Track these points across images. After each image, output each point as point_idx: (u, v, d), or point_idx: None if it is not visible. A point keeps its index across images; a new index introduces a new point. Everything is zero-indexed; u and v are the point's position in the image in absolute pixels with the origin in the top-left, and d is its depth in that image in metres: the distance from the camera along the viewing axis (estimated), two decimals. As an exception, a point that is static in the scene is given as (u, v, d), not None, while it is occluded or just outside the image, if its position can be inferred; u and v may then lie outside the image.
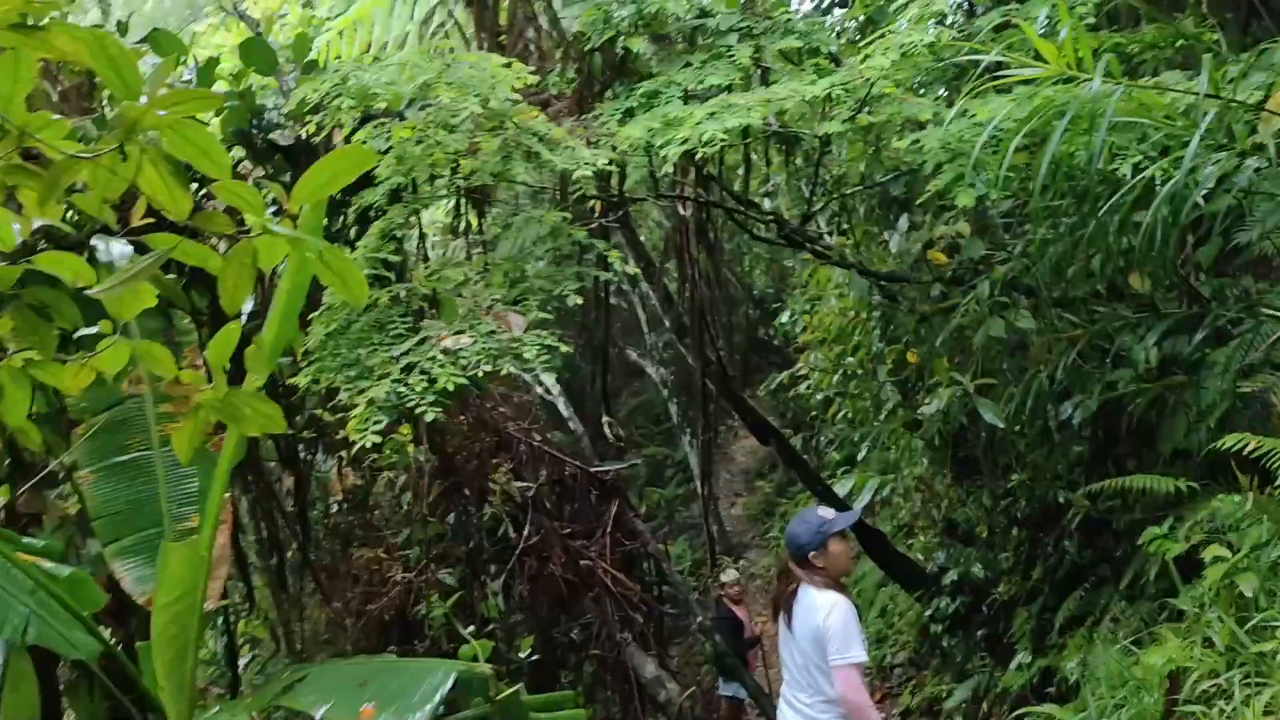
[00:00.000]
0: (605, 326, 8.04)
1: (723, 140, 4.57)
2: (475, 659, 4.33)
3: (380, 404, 4.13)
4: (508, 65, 4.73)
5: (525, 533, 7.97)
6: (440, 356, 4.29)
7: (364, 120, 5.39)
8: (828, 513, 4.97)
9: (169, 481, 5.33)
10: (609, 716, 10.69)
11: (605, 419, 9.60)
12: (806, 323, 8.80)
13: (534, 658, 6.74)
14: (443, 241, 10.10)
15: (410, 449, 6.59)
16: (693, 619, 10.49)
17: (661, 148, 4.67)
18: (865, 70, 4.81)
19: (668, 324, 8.82)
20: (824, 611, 4.54)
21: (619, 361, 23.37)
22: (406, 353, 4.35)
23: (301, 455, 6.81)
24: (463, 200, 5.50)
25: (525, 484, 9.75)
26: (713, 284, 7.58)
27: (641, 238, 10.49)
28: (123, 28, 6.10)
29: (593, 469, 10.83)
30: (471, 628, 6.59)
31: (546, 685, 10.55)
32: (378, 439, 4.10)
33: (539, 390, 11.60)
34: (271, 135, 5.88)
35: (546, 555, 8.72)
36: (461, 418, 7.50)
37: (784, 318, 9.89)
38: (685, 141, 4.61)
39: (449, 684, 3.90)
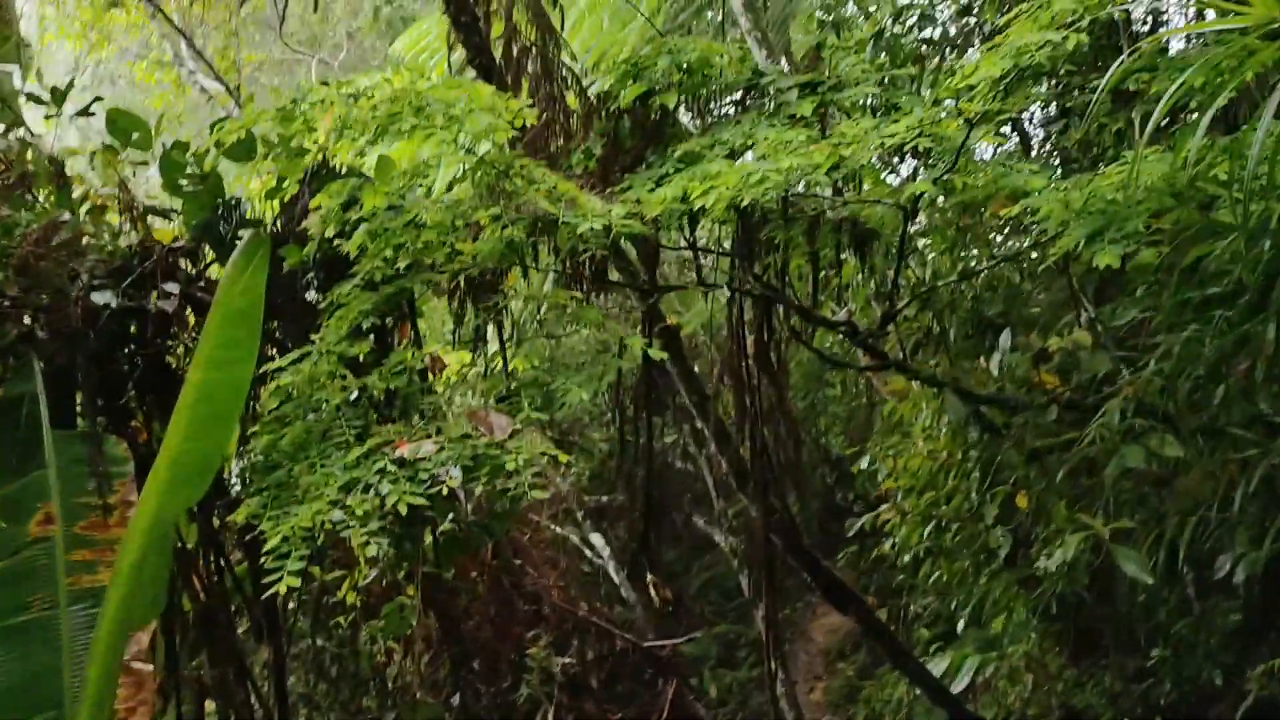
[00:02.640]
0: (649, 459, 6.83)
1: (774, 186, 3.51)
2: None
3: (303, 534, 2.98)
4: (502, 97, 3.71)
5: (550, 717, 6.63)
6: (392, 469, 3.16)
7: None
8: None
9: (77, 652, 4.17)
10: None
11: (649, 578, 8.30)
12: (890, 469, 7.51)
13: None
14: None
15: (412, 615, 5.39)
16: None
17: (697, 199, 3.62)
18: (963, 105, 3.74)
19: (730, 478, 7.67)
20: None
21: (687, 533, 22.01)
22: (350, 466, 3.23)
23: (280, 615, 5.63)
24: (464, 301, 4.42)
25: (566, 660, 8.47)
26: (776, 416, 6.39)
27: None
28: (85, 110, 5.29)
29: (646, 644, 9.50)
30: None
31: None
32: (296, 581, 2.93)
33: (587, 553, 10.36)
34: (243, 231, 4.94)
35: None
36: (474, 575, 6.32)
37: (863, 464, 8.59)
38: (730, 189, 3.56)
39: None
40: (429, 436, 3.32)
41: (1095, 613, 7.09)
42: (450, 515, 5.46)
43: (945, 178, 4.04)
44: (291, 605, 6.09)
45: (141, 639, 4.12)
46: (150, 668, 4.11)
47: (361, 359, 3.90)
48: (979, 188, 4.27)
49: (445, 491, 3.62)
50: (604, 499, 16.93)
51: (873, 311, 6.15)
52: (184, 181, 5.01)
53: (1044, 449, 5.86)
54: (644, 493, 7.35)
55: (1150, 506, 5.66)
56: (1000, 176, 4.23)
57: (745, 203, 3.67)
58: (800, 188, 5.77)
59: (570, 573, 10.15)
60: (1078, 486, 5.73)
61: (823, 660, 19.62)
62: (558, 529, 11.00)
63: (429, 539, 5.33)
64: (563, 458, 3.28)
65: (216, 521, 5.41)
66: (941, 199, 4.73)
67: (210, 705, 5.76)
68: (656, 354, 3.57)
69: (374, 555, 2.97)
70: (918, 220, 5.16)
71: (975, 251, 6.60)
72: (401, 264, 4.16)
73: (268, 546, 2.95)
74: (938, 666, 8.41)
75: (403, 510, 3.06)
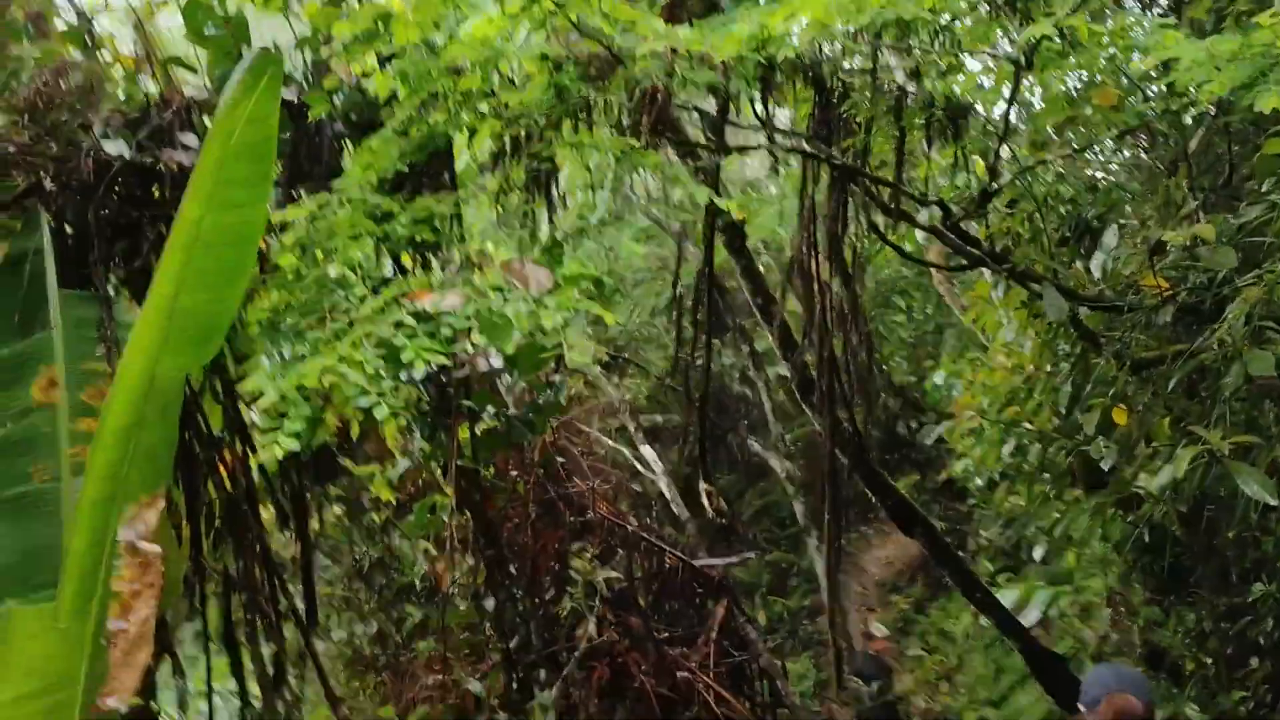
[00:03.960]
0: (706, 370, 6.34)
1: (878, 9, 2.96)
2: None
3: (305, 393, 2.54)
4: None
5: (591, 630, 6.25)
6: (409, 321, 2.70)
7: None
8: None
9: (80, 525, 3.80)
10: None
11: (704, 486, 7.86)
12: (967, 384, 6.95)
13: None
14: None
15: (447, 515, 4.98)
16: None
17: (778, 24, 3.06)
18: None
19: (794, 393, 7.15)
20: None
21: (742, 458, 21.59)
22: (362, 320, 2.78)
23: (308, 500, 5.26)
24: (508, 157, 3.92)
25: (613, 574, 8.08)
26: (848, 319, 5.87)
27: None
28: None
29: (698, 562, 9.08)
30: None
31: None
32: (294, 444, 2.50)
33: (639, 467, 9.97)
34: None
35: (623, 661, 6.95)
36: (515, 475, 5.91)
37: (937, 378, 8.03)
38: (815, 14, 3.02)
39: None
40: (455, 288, 2.85)
41: (1187, 546, 6.55)
42: (489, 408, 5.04)
43: (1068, 16, 3.43)
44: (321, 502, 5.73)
45: (148, 518, 3.74)
46: (158, 549, 3.72)
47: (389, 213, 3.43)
48: (1105, 36, 3.67)
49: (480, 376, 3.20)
50: (659, 419, 16.54)
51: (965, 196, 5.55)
52: (208, 27, 4.55)
53: (1149, 360, 5.28)
54: (700, 405, 6.87)
55: (1262, 427, 5.08)
56: (1130, 25, 3.64)
57: (834, 38, 3.13)
58: (891, 60, 5.20)
59: (620, 487, 9.74)
60: (1186, 404, 5.16)
61: (876, 592, 19.22)
62: (609, 441, 10.60)
63: (465, 432, 4.91)
64: (609, 318, 2.78)
65: (243, 406, 5.04)
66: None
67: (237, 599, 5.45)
68: (729, 205, 3.07)
69: (387, 418, 2.52)
70: (1028, 80, 4.56)
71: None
72: (438, 118, 3.68)
73: (261, 403, 2.52)
74: (1006, 598, 7.93)
75: (418, 366, 2.60)
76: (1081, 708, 3.65)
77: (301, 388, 2.52)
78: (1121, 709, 3.50)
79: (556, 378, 5.14)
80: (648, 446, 9.89)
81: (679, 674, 8.41)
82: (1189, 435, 4.48)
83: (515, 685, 4.88)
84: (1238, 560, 6.12)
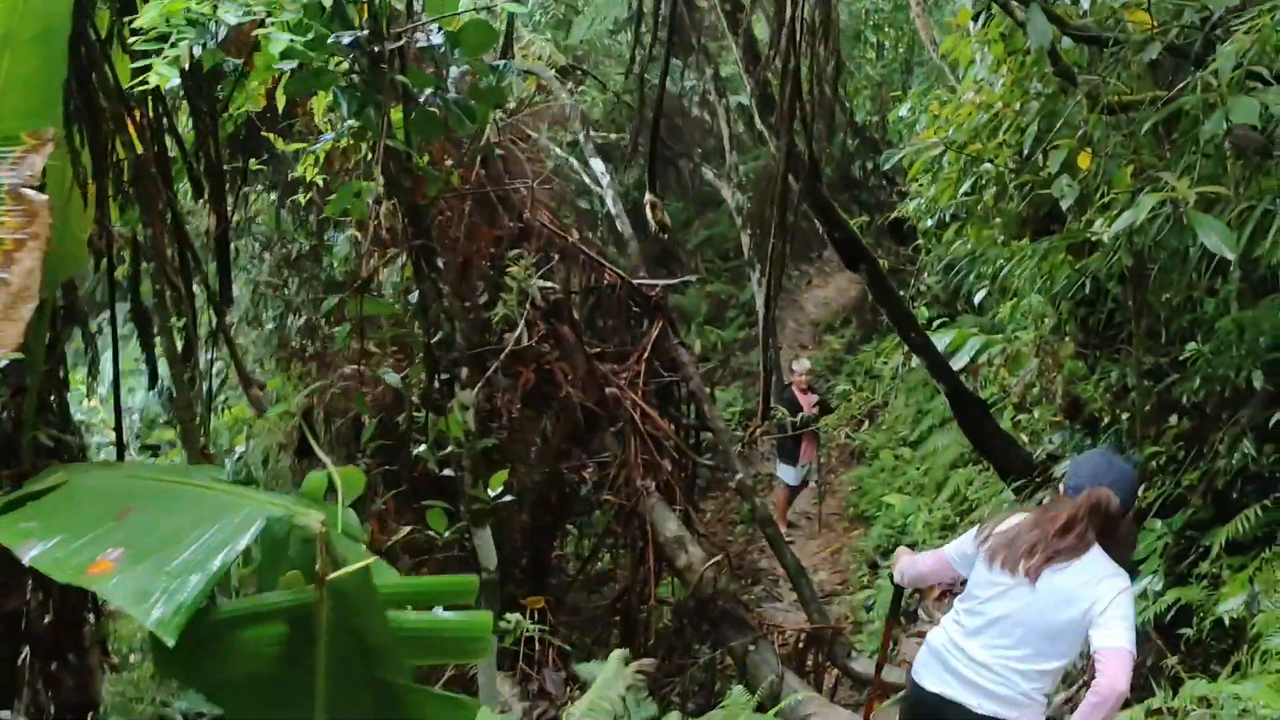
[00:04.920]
0: (665, 60, 5.96)
1: None
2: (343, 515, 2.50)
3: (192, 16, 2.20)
4: None
5: (519, 334, 6.12)
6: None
7: None
8: None
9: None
10: (614, 572, 9.08)
11: (649, 197, 7.62)
12: (933, 118, 6.63)
13: (506, 498, 4.96)
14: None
15: (369, 196, 4.66)
16: (731, 474, 8.68)
17: None
18: None
19: (752, 110, 6.78)
20: (1116, 589, 3.41)
21: (694, 185, 21.26)
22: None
23: (225, 171, 4.93)
24: None
25: (549, 284, 7.93)
26: (817, 31, 5.47)
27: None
28: None
29: (636, 281, 8.95)
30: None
31: (546, 530, 8.96)
32: (172, 76, 2.19)
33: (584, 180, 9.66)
34: None
35: (550, 370, 6.88)
36: (451, 164, 5.58)
37: (902, 110, 7.70)
38: None
39: (243, 539, 2.11)
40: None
41: (1123, 303, 6.49)
42: (428, 88, 4.67)
43: None
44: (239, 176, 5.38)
45: (33, 162, 3.43)
46: (45, 199, 3.44)
47: None
48: None
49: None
50: (613, 137, 16.05)
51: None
52: None
53: (1123, 104, 5.02)
54: (655, 117, 6.51)
55: (1229, 186, 4.89)
56: None
57: None
58: None
59: (565, 198, 9.46)
60: (1154, 152, 4.94)
61: (811, 330, 19.48)
62: (559, 150, 10.22)
63: (399, 114, 4.56)
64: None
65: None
66: None
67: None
68: None
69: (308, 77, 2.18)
70: None
71: None
72: None
73: (138, 21, 2.19)
74: (939, 342, 7.94)
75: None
76: (1064, 490, 3.66)
77: (189, 10, 2.19)
78: (1097, 503, 3.51)
79: (501, 63, 4.76)
80: (598, 160, 9.53)
81: (607, 389, 8.43)
82: (1154, 183, 4.28)
83: (437, 382, 4.74)
84: (1172, 320, 6.08)
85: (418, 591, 2.45)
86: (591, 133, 10.88)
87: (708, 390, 9.76)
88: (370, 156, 4.93)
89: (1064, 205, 4.70)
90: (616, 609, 8.63)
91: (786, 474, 11.48)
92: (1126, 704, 5.76)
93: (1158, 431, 6.38)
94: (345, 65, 4.43)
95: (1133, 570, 6.15)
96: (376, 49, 4.39)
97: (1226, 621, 5.07)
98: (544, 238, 8.20)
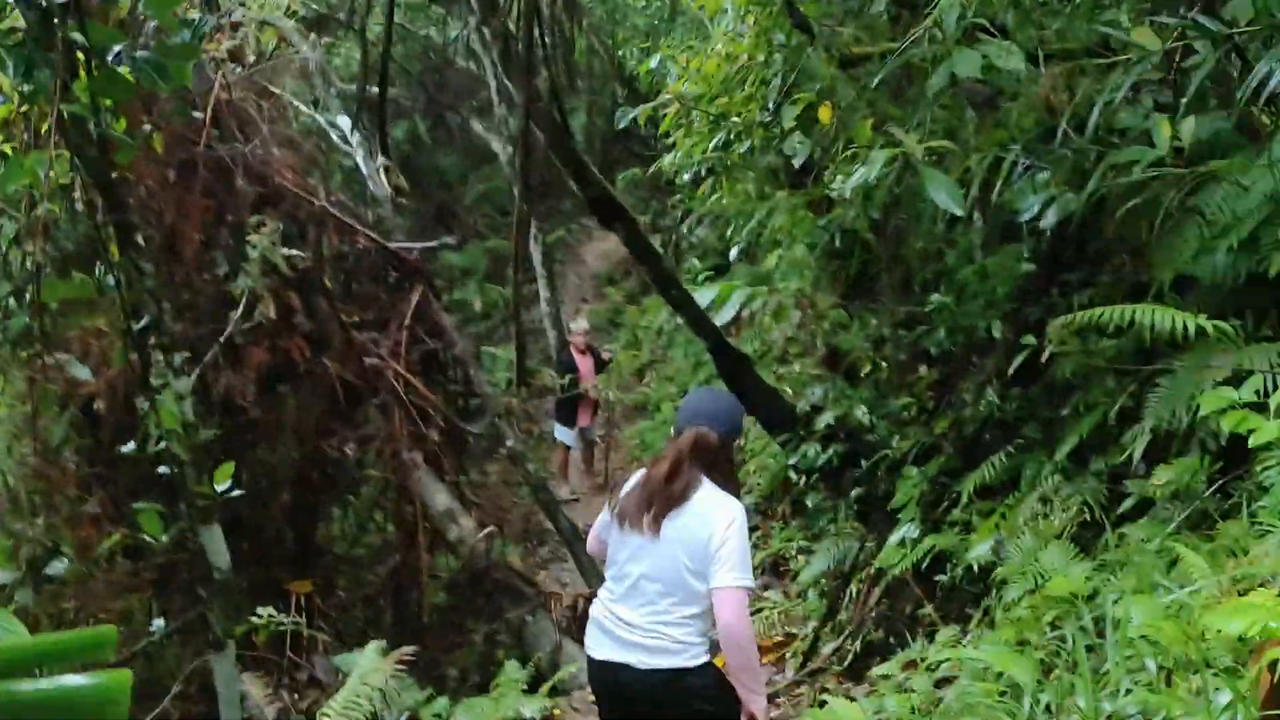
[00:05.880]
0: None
1: None
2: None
3: None
4: None
5: (256, 309, 5.67)
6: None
7: None
8: None
9: None
10: (385, 549, 8.71)
11: (381, 161, 7.22)
12: (681, 70, 6.48)
13: (235, 492, 4.56)
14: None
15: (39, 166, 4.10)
16: (502, 441, 8.43)
17: None
18: None
19: (494, 54, 6.45)
20: (725, 522, 3.44)
21: (465, 140, 20.68)
22: None
23: None
24: None
25: (295, 252, 7.44)
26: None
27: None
28: None
29: (392, 245, 8.52)
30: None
31: (310, 511, 8.50)
32: None
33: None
34: None
35: (293, 342, 6.46)
36: (150, 129, 5.05)
37: (652, 62, 7.51)
38: None
39: None
40: None
41: (876, 255, 6.55)
42: (115, 45, 4.16)
43: None
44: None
45: None
46: None
47: None
48: None
49: None
50: (371, 90, 15.37)
51: None
52: None
53: (859, 56, 4.96)
54: (382, 65, 6.09)
55: (962, 139, 4.92)
56: None
57: None
58: None
59: (312, 159, 8.89)
60: (889, 105, 4.91)
61: (593, 284, 19.36)
62: (305, 108, 9.63)
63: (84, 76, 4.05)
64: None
65: None
66: None
67: None
68: None
69: None
70: None
71: None
72: None
73: None
74: (704, 297, 7.87)
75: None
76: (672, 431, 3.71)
77: None
78: (695, 440, 3.54)
79: (195, 15, 4.30)
80: (345, 117, 9.00)
81: (367, 360, 8.03)
82: (888, 138, 4.23)
83: (146, 369, 4.27)
84: (921, 271, 6.16)
85: (44, 652, 2.11)
86: (342, 86, 10.31)
87: (472, 352, 9.47)
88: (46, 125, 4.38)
89: (795, 163, 4.62)
90: (389, 588, 8.30)
91: (564, 435, 11.32)
92: (886, 652, 5.93)
93: (912, 381, 6.49)
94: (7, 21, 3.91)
95: (891, 517, 6.31)
96: (45, 1, 3.88)
97: (976, 569, 5.18)
98: (291, 202, 7.70)
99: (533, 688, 6.55)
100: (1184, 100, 4.02)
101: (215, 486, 4.63)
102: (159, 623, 4.49)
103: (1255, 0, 3.76)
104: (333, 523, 8.82)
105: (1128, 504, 4.46)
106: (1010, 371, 5.21)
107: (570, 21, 5.45)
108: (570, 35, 5.28)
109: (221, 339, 5.54)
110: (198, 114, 6.22)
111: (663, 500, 3.50)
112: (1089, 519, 4.77)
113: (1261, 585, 2.49)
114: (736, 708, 3.54)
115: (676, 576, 3.47)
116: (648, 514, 3.51)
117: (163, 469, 4.49)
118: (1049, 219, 4.46)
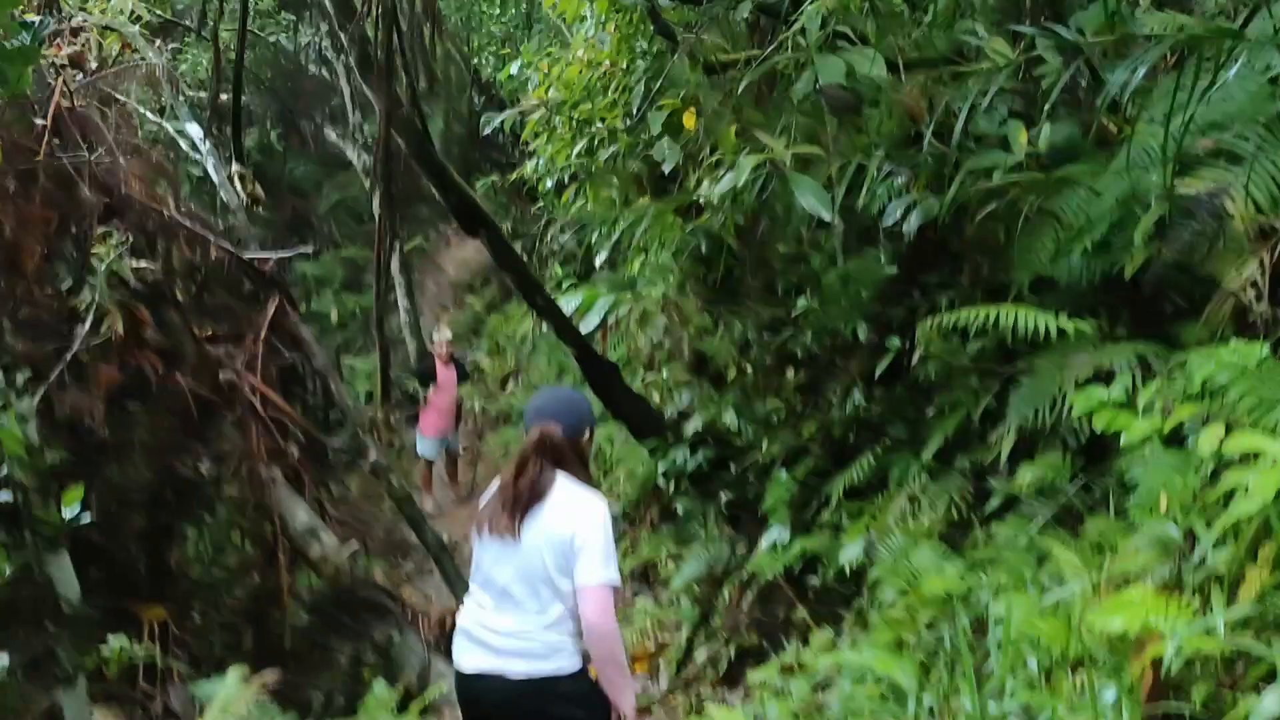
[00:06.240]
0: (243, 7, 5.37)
1: None
2: None
3: None
4: None
5: (111, 327, 5.42)
6: None
7: None
8: None
9: None
10: (243, 570, 8.39)
11: (236, 169, 6.98)
12: (543, 77, 6.42)
13: (85, 518, 4.33)
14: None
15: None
16: (365, 455, 8.22)
17: None
18: None
19: (352, 59, 6.27)
20: (587, 518, 3.41)
21: (319, 147, 20.21)
22: None
23: None
24: None
25: (144, 264, 7.14)
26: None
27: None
28: None
29: (246, 255, 8.23)
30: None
31: (164, 533, 8.14)
32: None
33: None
34: None
35: (138, 363, 6.20)
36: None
37: (512, 69, 7.42)
38: None
39: None
40: None
41: (741, 259, 6.60)
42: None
43: None
44: None
45: None
46: None
47: None
48: None
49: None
50: (224, 98, 14.89)
51: None
52: None
53: (723, 63, 4.99)
54: (235, 71, 5.88)
55: (825, 145, 4.98)
56: None
57: None
58: None
59: (162, 169, 8.53)
60: (754, 112, 4.95)
61: (452, 292, 19.09)
62: (152, 116, 9.23)
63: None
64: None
65: None
66: None
67: None
68: None
69: None
70: None
71: None
72: None
73: None
74: (569, 304, 7.82)
75: None
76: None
77: None
78: (542, 438, 3.50)
79: (35, 19, 4.04)
80: (194, 125, 8.67)
81: (222, 375, 7.74)
82: (755, 143, 4.25)
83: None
84: (785, 274, 6.23)
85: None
86: (191, 94, 9.95)
87: (332, 364, 9.24)
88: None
89: (665, 168, 4.62)
90: (249, 611, 7.99)
91: (426, 448, 11.11)
92: (761, 656, 5.96)
93: (779, 384, 6.56)
94: None
95: (762, 521, 6.36)
96: None
97: (848, 570, 5.24)
98: (139, 212, 7.37)
99: (402, 707, 6.39)
100: (1044, 108, 4.15)
101: (63, 512, 4.39)
102: (3, 658, 4.21)
103: (1102, 10, 3.89)
104: (188, 544, 8.46)
105: (994, 502, 4.58)
106: (876, 373, 5.30)
107: (430, 27, 5.34)
108: (430, 41, 5.19)
109: (67, 356, 5.27)
110: (38, 121, 5.92)
111: (514, 500, 3.44)
112: (957, 517, 4.89)
113: (1131, 581, 2.56)
114: (609, 713, 3.50)
115: (543, 577, 3.41)
116: (507, 518, 3.45)
117: (4, 496, 4.24)
118: (911, 223, 4.55)
